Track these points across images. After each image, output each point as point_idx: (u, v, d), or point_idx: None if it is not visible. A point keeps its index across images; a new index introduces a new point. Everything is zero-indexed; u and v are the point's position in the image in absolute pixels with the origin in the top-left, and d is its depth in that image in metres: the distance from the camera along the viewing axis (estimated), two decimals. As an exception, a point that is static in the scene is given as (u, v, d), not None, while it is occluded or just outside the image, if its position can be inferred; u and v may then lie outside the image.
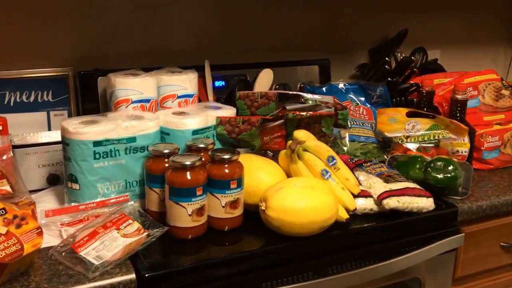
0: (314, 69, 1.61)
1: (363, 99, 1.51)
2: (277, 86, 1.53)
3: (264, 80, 1.43)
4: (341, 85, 1.51)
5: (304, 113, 1.21)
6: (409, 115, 1.39)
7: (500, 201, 1.29)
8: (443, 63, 1.84)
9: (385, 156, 1.39)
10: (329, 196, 1.07)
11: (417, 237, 1.18)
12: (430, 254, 1.19)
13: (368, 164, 1.30)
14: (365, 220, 1.16)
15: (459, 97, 1.41)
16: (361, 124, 1.45)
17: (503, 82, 1.53)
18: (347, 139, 1.42)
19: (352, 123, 1.44)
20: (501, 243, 1.33)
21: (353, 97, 1.50)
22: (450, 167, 1.26)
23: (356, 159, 1.31)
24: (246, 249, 1.05)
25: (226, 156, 1.08)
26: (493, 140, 1.45)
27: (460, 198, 1.27)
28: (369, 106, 1.50)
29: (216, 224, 1.10)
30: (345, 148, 1.41)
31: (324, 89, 1.51)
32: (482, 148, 1.44)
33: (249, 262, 1.03)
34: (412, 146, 1.37)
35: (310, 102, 1.28)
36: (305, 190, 1.06)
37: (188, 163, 1.03)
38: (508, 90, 1.52)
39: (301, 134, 1.18)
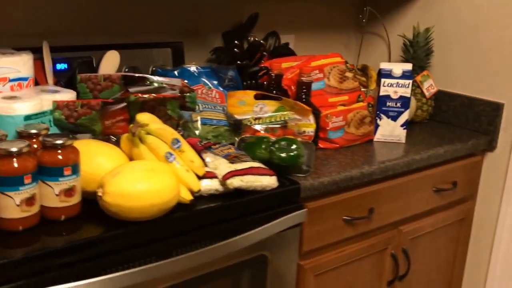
0: (167, 52, 1.58)
1: (216, 82, 1.51)
2: (126, 69, 1.48)
3: (110, 63, 1.37)
4: (193, 69, 1.50)
5: (147, 96, 1.18)
6: (257, 97, 1.42)
7: (340, 177, 1.37)
8: (297, 48, 1.91)
9: (236, 139, 1.42)
10: (169, 178, 1.05)
11: (262, 214, 1.22)
12: (273, 230, 1.23)
13: (217, 146, 1.31)
14: (211, 201, 1.16)
15: (304, 79, 1.47)
16: (213, 107, 1.45)
17: (347, 65, 1.62)
18: (199, 122, 1.42)
19: (204, 106, 1.44)
20: (344, 217, 1.42)
21: (206, 80, 1.50)
22: (293, 146, 1.31)
23: (206, 142, 1.32)
24: (84, 237, 1.00)
25: (59, 142, 1.01)
26: (337, 120, 1.53)
27: (303, 175, 1.33)
28: (221, 89, 1.51)
29: (51, 214, 1.03)
30: (197, 132, 1.41)
31: (176, 72, 1.48)
32: (328, 128, 1.52)
33: (88, 250, 0.98)
34: (260, 128, 1.41)
35: (156, 84, 1.25)
36: (143, 173, 1.03)
37: (13, 149, 0.95)
38: (352, 72, 1.62)
39: (143, 117, 1.15)
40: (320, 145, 1.53)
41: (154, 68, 1.52)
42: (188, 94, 1.28)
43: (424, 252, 1.71)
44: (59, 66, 1.42)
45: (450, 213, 1.73)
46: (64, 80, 1.34)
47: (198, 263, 1.12)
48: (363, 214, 1.45)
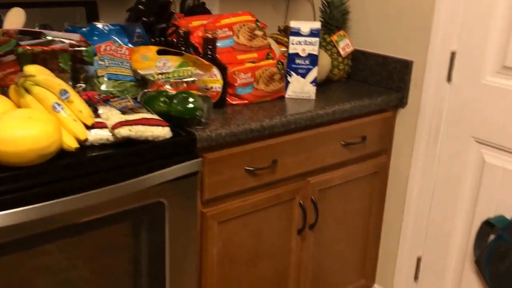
0: (81, 11, 1.62)
1: (126, 40, 1.56)
2: (38, 27, 1.51)
3: (14, 20, 1.40)
4: (103, 26, 1.54)
5: (36, 48, 1.22)
6: (160, 53, 1.47)
7: (239, 129, 1.44)
8: (225, 9, 1.95)
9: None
10: (48, 125, 1.11)
11: (155, 162, 1.29)
12: (166, 177, 1.30)
13: (116, 99, 1.36)
14: (102, 150, 1.22)
15: (209, 35, 1.52)
16: (120, 63, 1.50)
17: (258, 23, 1.67)
18: (105, 77, 1.47)
19: (111, 62, 1.49)
20: (246, 167, 1.49)
21: (116, 37, 1.55)
22: (190, 99, 1.37)
23: (105, 95, 1.37)
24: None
25: None
26: (245, 77, 1.59)
27: (202, 128, 1.39)
28: (131, 46, 1.55)
29: None
30: (102, 87, 1.46)
31: (86, 29, 1.53)
32: (236, 84, 1.58)
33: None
34: (164, 83, 1.46)
35: (50, 38, 1.30)
36: (21, 120, 1.09)
37: None
38: (262, 31, 1.67)
39: (31, 68, 1.20)
40: (229, 101, 1.59)
41: (66, 26, 1.56)
42: (85, 48, 1.33)
43: (337, 203, 1.79)
44: (-34, 24, 1.45)
45: (362, 167, 1.81)
46: (-34, 36, 1.38)
47: (83, 206, 1.18)
48: (266, 165, 1.53)
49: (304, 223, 1.68)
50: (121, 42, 1.55)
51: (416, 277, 1.92)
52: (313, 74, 1.68)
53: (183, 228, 1.40)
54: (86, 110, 1.22)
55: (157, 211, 1.35)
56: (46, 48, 1.23)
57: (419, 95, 1.79)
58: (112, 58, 1.50)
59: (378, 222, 1.97)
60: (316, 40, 1.65)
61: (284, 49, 1.80)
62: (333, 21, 1.86)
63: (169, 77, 1.47)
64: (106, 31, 1.55)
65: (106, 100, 1.34)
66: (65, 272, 1.24)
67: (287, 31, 1.90)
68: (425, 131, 1.78)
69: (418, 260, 1.90)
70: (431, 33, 1.71)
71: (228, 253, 1.55)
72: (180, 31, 1.55)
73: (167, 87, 1.47)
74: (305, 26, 1.65)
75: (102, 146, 1.24)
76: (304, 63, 1.67)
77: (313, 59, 1.66)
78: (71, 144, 1.16)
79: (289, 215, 1.66)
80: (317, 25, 1.67)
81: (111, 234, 1.30)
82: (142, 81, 1.51)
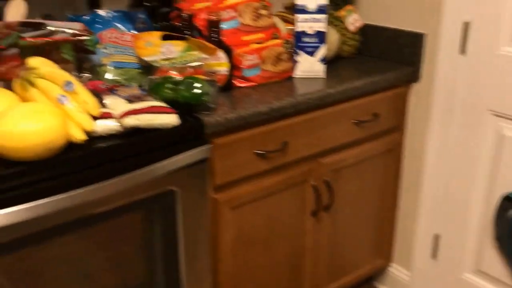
0: (82, -1, 1.59)
1: (129, 26, 1.53)
2: (40, 17, 1.49)
3: (15, 11, 1.38)
4: (105, 13, 1.51)
5: (38, 40, 1.20)
6: (164, 38, 1.44)
7: (248, 112, 1.41)
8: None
9: (147, 80, 1.45)
10: (54, 118, 1.09)
11: (164, 150, 1.27)
12: (176, 164, 1.28)
13: (121, 88, 1.34)
14: (110, 140, 1.21)
15: (213, 18, 1.48)
16: (124, 51, 1.47)
17: (262, 2, 1.63)
18: (109, 66, 1.44)
19: (115, 49, 1.46)
20: (256, 151, 1.47)
21: (119, 24, 1.52)
22: (196, 84, 1.34)
23: (111, 85, 1.35)
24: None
25: None
26: (252, 58, 1.55)
27: (209, 113, 1.37)
28: (135, 33, 1.52)
29: None
30: (107, 75, 1.43)
31: (88, 17, 1.50)
32: (242, 66, 1.54)
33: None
34: (169, 69, 1.43)
35: (53, 29, 1.27)
36: (26, 114, 1.07)
37: None
38: (267, 10, 1.62)
39: (34, 61, 1.18)
40: (237, 83, 1.56)
41: (68, 15, 1.54)
42: (88, 38, 1.30)
43: (350, 183, 1.76)
44: (-32, 17, 1.43)
45: (375, 145, 1.77)
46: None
47: (94, 198, 1.18)
48: (276, 148, 1.50)
49: (318, 205, 1.66)
50: (124, 29, 1.52)
51: (434, 255, 1.89)
52: (322, 52, 1.63)
53: (195, 216, 1.39)
54: (91, 101, 1.20)
55: (169, 200, 1.33)
56: (48, 40, 1.21)
57: (433, 69, 1.73)
58: (116, 45, 1.47)
59: (394, 200, 1.94)
60: (323, 16, 1.60)
61: (291, 27, 1.76)
62: (341, -5, 1.81)
63: (174, 63, 1.44)
64: (108, 18, 1.52)
65: (112, 89, 1.32)
66: (79, 263, 1.24)
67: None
68: (440, 105, 1.74)
69: (436, 237, 1.87)
70: (444, 4, 1.65)
71: (242, 238, 1.54)
72: (184, 15, 1.51)
73: (173, 73, 1.44)
74: (311, 3, 1.60)
75: (110, 136, 1.22)
76: (312, 41, 1.62)
77: (321, 37, 1.62)
78: (79, 136, 1.15)
79: (302, 198, 1.64)
80: (323, 1, 1.61)
81: (123, 224, 1.29)
82: (147, 68, 1.48)
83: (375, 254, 1.97)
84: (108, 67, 1.44)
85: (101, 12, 1.52)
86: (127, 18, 1.53)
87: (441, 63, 1.70)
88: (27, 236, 1.12)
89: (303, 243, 1.70)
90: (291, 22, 1.81)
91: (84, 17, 1.49)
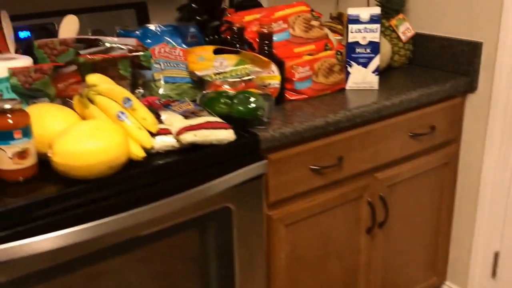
0: (131, 13, 1.58)
1: (179, 40, 1.51)
2: (91, 33, 1.49)
3: (69, 28, 1.38)
4: (155, 28, 1.50)
5: (96, 57, 1.19)
6: (216, 52, 1.42)
7: (303, 127, 1.37)
8: (271, 0, 1.88)
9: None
10: (116, 135, 1.07)
11: (220, 167, 1.23)
12: (232, 181, 1.24)
13: (176, 103, 1.32)
14: (168, 157, 1.18)
15: (264, 31, 1.45)
16: (175, 65, 1.45)
17: (313, 13, 1.59)
18: (161, 81, 1.43)
19: (167, 65, 1.45)
20: (311, 166, 1.42)
21: (169, 39, 1.50)
22: (251, 99, 1.31)
23: (165, 100, 1.33)
24: (39, 197, 1.04)
25: (7, 106, 1.05)
26: (303, 70, 1.51)
27: (264, 127, 1.33)
28: (185, 47, 1.50)
29: (7, 176, 1.07)
30: (160, 91, 1.42)
31: (138, 32, 1.49)
32: (294, 79, 1.51)
33: (43, 209, 1.02)
34: (222, 83, 1.41)
35: (108, 45, 1.26)
36: (89, 132, 1.06)
37: (-39, 116, 1.00)
38: (318, 21, 1.58)
39: (93, 78, 1.17)
40: (288, 97, 1.52)
41: (117, 30, 1.53)
42: (142, 53, 1.29)
43: (406, 198, 1.70)
44: (22, 34, 1.44)
45: (431, 158, 1.71)
46: (23, 47, 1.37)
47: (155, 216, 1.15)
48: (331, 163, 1.45)
49: (373, 222, 1.60)
50: (174, 43, 1.51)
51: (494, 274, 1.80)
52: (375, 62, 1.58)
53: (250, 233, 1.35)
54: (150, 117, 1.18)
55: (225, 217, 1.29)
56: (106, 56, 1.19)
57: (491, 78, 1.66)
58: (167, 60, 1.45)
59: (449, 216, 1.86)
60: (377, 26, 1.55)
61: (339, 37, 1.71)
62: (391, 4, 1.75)
63: (226, 77, 1.42)
64: (158, 33, 1.51)
65: (167, 104, 1.30)
66: (134, 281, 1.21)
67: (341, 19, 1.82)
68: (499, 116, 1.66)
69: (496, 255, 1.78)
70: (503, 10, 1.58)
71: (295, 256, 1.49)
72: (234, 28, 1.49)
73: (225, 87, 1.42)
74: (364, 13, 1.56)
75: (167, 153, 1.19)
76: (365, 52, 1.57)
77: (374, 47, 1.57)
78: (138, 153, 1.12)
79: (357, 214, 1.58)
80: (376, 10, 1.57)
81: (178, 241, 1.26)
82: (199, 83, 1.46)
83: (429, 272, 1.89)
84: (160, 82, 1.43)
85: (151, 26, 1.50)
86: (177, 32, 1.51)
87: (500, 72, 1.63)
88: (86, 255, 1.10)
89: (356, 261, 1.64)
90: (339, 32, 1.77)
91: (135, 32, 1.48)
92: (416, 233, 1.78)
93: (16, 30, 1.39)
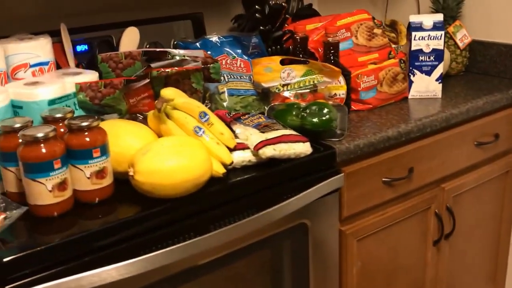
0: (187, 24, 1.54)
1: (239, 51, 1.46)
2: (147, 45, 1.44)
3: (130, 40, 1.34)
4: (215, 39, 1.45)
5: (169, 70, 1.14)
6: (283, 63, 1.37)
7: (377, 138, 1.32)
8: (321, 8, 1.83)
9: (266, 107, 1.37)
10: (200, 152, 1.02)
11: (298, 182, 1.18)
12: (311, 197, 1.19)
13: (246, 116, 1.27)
14: (245, 172, 1.13)
15: (330, 40, 1.40)
16: (239, 77, 1.40)
17: (375, 21, 1.55)
18: (226, 94, 1.37)
19: (230, 77, 1.39)
20: (383, 179, 1.37)
21: (229, 50, 1.45)
22: (325, 110, 1.26)
23: (234, 113, 1.28)
24: (120, 218, 0.99)
25: (85, 123, 0.99)
26: (369, 80, 1.47)
27: (338, 139, 1.28)
28: (246, 58, 1.45)
29: (84, 197, 1.02)
30: (224, 103, 1.36)
31: (198, 44, 1.44)
32: (359, 88, 1.46)
33: (124, 231, 0.97)
34: (289, 94, 1.36)
35: (178, 58, 1.21)
36: (173, 149, 1.01)
37: (40, 135, 0.94)
38: (380, 28, 1.54)
39: (168, 92, 1.12)
40: (353, 107, 1.47)
41: (175, 42, 1.48)
42: (212, 65, 1.24)
43: (469, 208, 1.64)
44: (80, 48, 1.39)
45: (494, 167, 1.65)
46: (86, 61, 1.32)
47: (237, 236, 1.09)
48: (402, 175, 1.40)
49: (440, 233, 1.55)
50: (235, 55, 1.46)
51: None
52: (439, 70, 1.53)
53: (325, 250, 1.29)
54: (227, 132, 1.13)
55: (300, 233, 1.24)
56: (179, 69, 1.14)
57: (554, 84, 1.62)
58: (230, 72, 1.40)
59: (509, 225, 1.80)
60: (441, 33, 1.50)
61: (394, 45, 1.67)
62: (447, 11, 1.71)
63: (294, 88, 1.37)
64: (218, 44, 1.46)
65: (237, 118, 1.25)
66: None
67: (395, 26, 1.77)
68: None
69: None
70: None
71: (365, 271, 1.43)
72: (297, 37, 1.44)
73: (293, 98, 1.37)
74: (428, 20, 1.52)
75: (244, 168, 1.14)
76: (428, 60, 1.53)
77: (438, 55, 1.52)
78: (219, 169, 1.07)
79: (424, 226, 1.52)
80: (439, 17, 1.53)
81: (254, 260, 1.21)
82: (263, 94, 1.41)
83: (490, 283, 1.83)
84: (224, 95, 1.38)
85: (210, 37, 1.46)
86: (237, 43, 1.46)
87: None
88: (169, 277, 1.04)
89: (423, 275, 1.58)
90: (392, 40, 1.73)
91: (195, 43, 1.43)
92: (477, 244, 1.72)
93: (73, 44, 1.34)
